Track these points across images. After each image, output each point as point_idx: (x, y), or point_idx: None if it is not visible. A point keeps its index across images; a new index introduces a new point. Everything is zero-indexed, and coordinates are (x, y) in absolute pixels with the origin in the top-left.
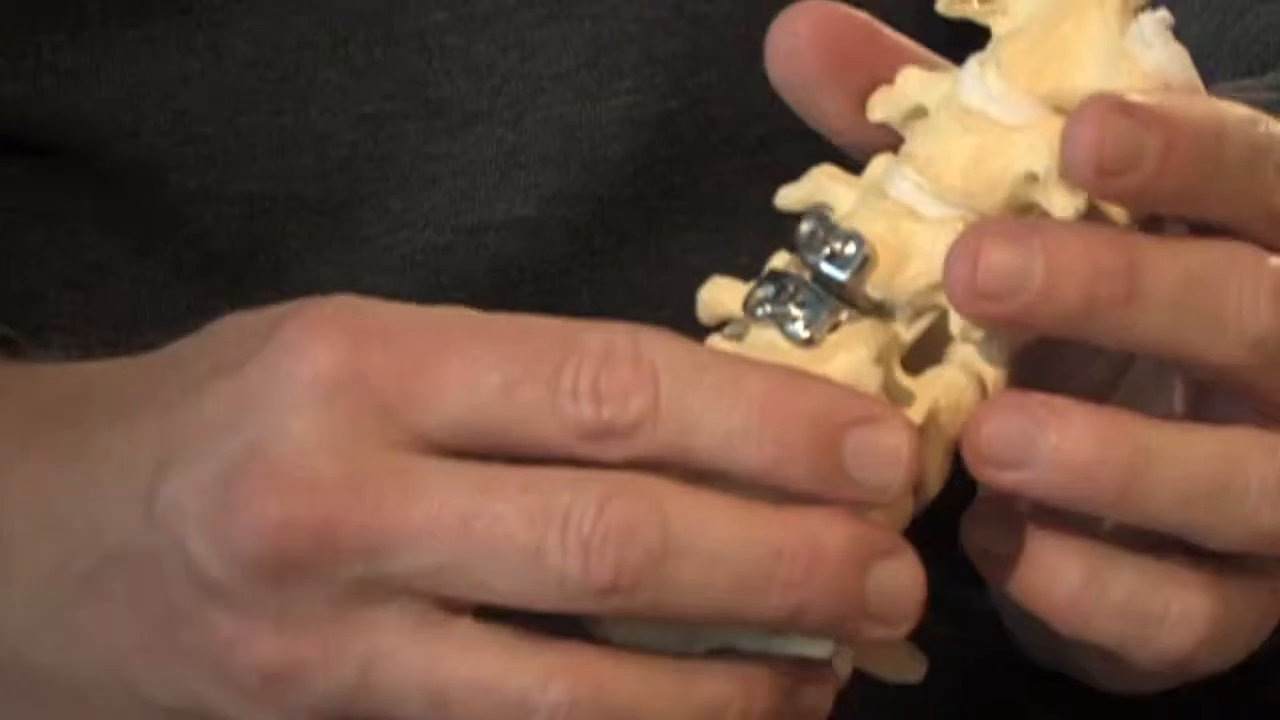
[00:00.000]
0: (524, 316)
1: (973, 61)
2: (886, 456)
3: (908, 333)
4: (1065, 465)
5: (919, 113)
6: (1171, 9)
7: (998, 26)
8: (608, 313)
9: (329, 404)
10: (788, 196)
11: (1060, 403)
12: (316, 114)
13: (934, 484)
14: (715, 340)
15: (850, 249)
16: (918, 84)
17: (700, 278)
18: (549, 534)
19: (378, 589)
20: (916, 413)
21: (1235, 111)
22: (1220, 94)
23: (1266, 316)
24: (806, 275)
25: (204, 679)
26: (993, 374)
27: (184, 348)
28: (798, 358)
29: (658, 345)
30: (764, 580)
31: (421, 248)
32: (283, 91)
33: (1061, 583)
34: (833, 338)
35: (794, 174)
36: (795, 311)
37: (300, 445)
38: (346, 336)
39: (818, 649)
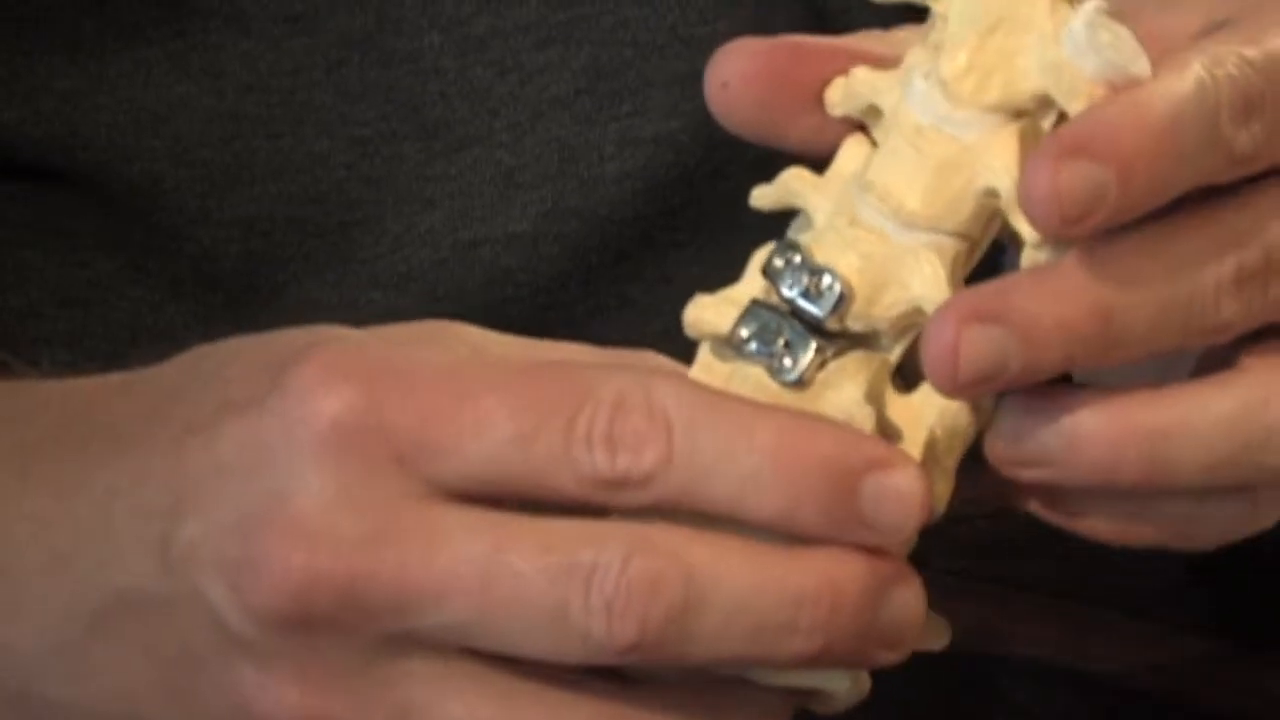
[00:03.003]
0: (538, 362)
1: (917, 77)
2: (901, 501)
3: (893, 354)
4: (1085, 465)
5: (875, 111)
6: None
7: (937, 4)
8: (604, 328)
9: (346, 455)
10: (761, 197)
11: (1069, 402)
12: (313, 136)
13: (938, 507)
14: (704, 356)
15: (825, 283)
16: (868, 86)
17: (695, 293)
18: (572, 593)
19: (404, 642)
20: (914, 443)
21: (1183, 89)
22: None
23: (1228, 312)
24: (785, 307)
25: None
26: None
27: (184, 375)
28: (789, 398)
29: (670, 392)
30: (786, 627)
31: (418, 264)
32: (279, 114)
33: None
34: (821, 376)
35: None
36: (782, 352)
37: (320, 498)
38: (360, 384)
39: (837, 683)
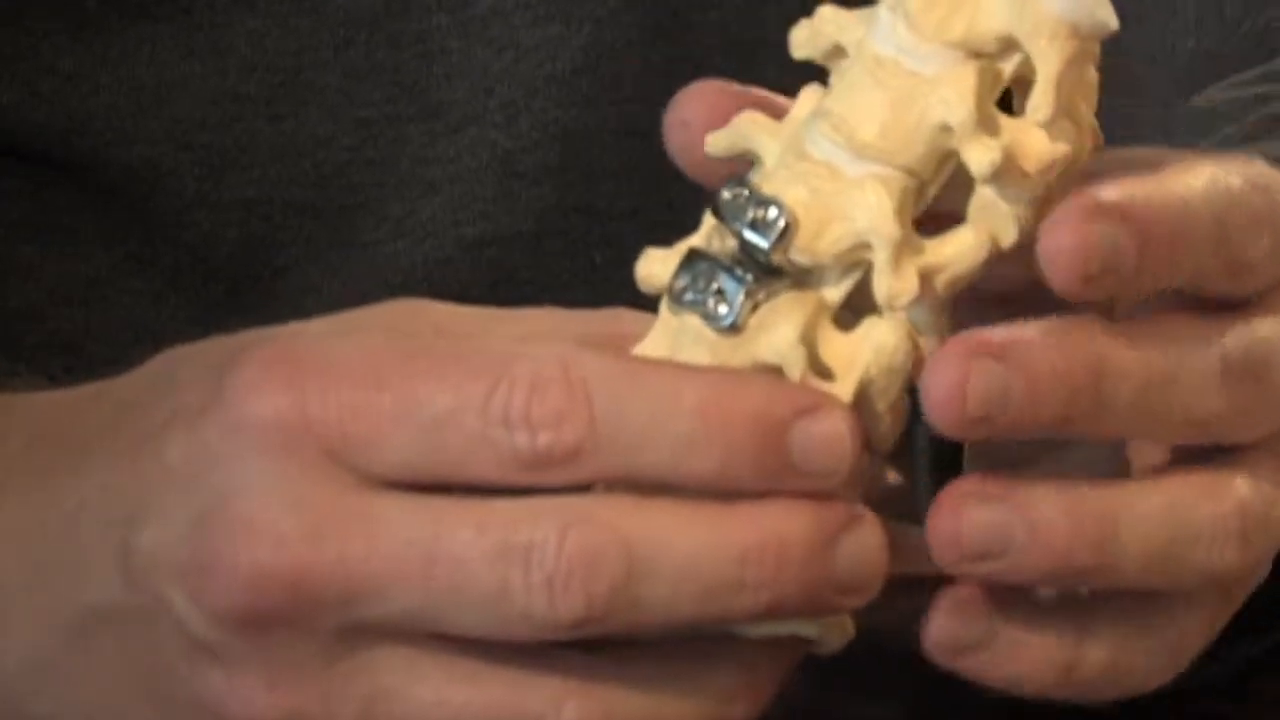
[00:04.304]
0: (458, 345)
1: (883, 9)
2: (829, 443)
3: (836, 292)
4: (1042, 549)
5: (839, 52)
6: (1164, 24)
7: None
8: None
9: (281, 454)
10: (714, 143)
11: (1029, 488)
12: (315, 118)
13: (884, 441)
14: (663, 311)
15: (771, 215)
16: (833, 23)
17: None
18: (512, 573)
19: (363, 632)
20: (847, 384)
21: (1197, 183)
22: (1215, 91)
23: (1213, 404)
24: (731, 242)
25: None
26: (925, 338)
27: (144, 383)
28: (724, 345)
29: (589, 365)
30: (735, 585)
31: (422, 261)
32: (282, 95)
33: (1044, 661)
34: (755, 319)
35: None
36: (714, 299)
37: (260, 497)
38: (289, 383)
39: (819, 629)
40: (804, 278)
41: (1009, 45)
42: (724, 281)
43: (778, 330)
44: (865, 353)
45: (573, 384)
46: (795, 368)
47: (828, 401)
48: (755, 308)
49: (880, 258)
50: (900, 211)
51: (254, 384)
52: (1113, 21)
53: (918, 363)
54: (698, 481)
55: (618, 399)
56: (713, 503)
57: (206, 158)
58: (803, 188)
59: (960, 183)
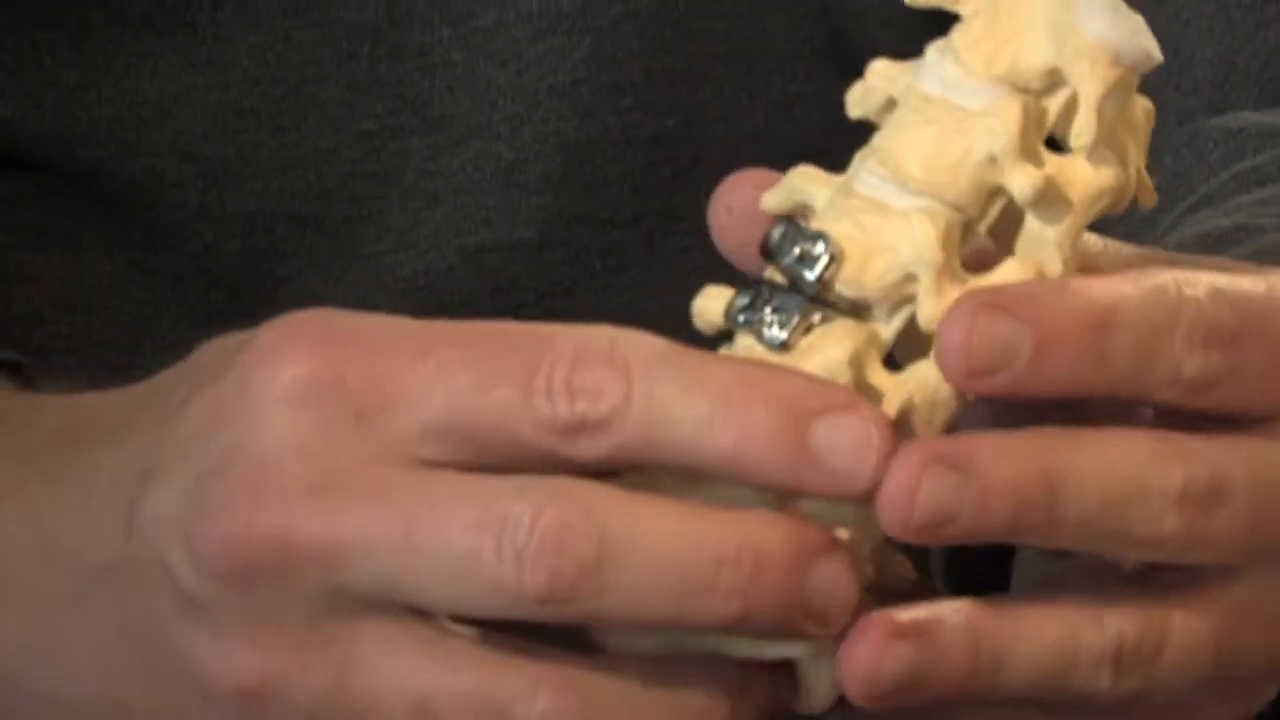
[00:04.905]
0: (501, 323)
1: (931, 50)
2: (857, 443)
3: (887, 329)
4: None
5: (891, 106)
6: (1180, 34)
7: (966, 11)
8: None
9: (304, 409)
10: (770, 199)
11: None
12: (318, 131)
13: None
14: (720, 352)
15: (817, 249)
16: (884, 76)
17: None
18: (485, 543)
19: (350, 599)
20: (889, 409)
21: (1136, 290)
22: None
23: (1168, 525)
24: (782, 280)
25: (187, 696)
26: None
27: (169, 372)
28: (775, 362)
29: (631, 342)
30: (706, 586)
31: (424, 270)
32: (285, 108)
33: None
34: (806, 341)
35: None
36: (769, 317)
37: (273, 451)
38: (322, 343)
39: (803, 651)
40: (856, 313)
41: (1054, 81)
42: (780, 302)
43: (828, 351)
44: (910, 382)
45: (615, 358)
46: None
47: (865, 404)
48: (808, 330)
49: (923, 282)
50: (945, 243)
51: (283, 340)
52: (1156, 52)
53: (962, 402)
54: (716, 461)
55: (653, 373)
56: (698, 505)
57: (210, 169)
58: (849, 222)
59: (1010, 227)
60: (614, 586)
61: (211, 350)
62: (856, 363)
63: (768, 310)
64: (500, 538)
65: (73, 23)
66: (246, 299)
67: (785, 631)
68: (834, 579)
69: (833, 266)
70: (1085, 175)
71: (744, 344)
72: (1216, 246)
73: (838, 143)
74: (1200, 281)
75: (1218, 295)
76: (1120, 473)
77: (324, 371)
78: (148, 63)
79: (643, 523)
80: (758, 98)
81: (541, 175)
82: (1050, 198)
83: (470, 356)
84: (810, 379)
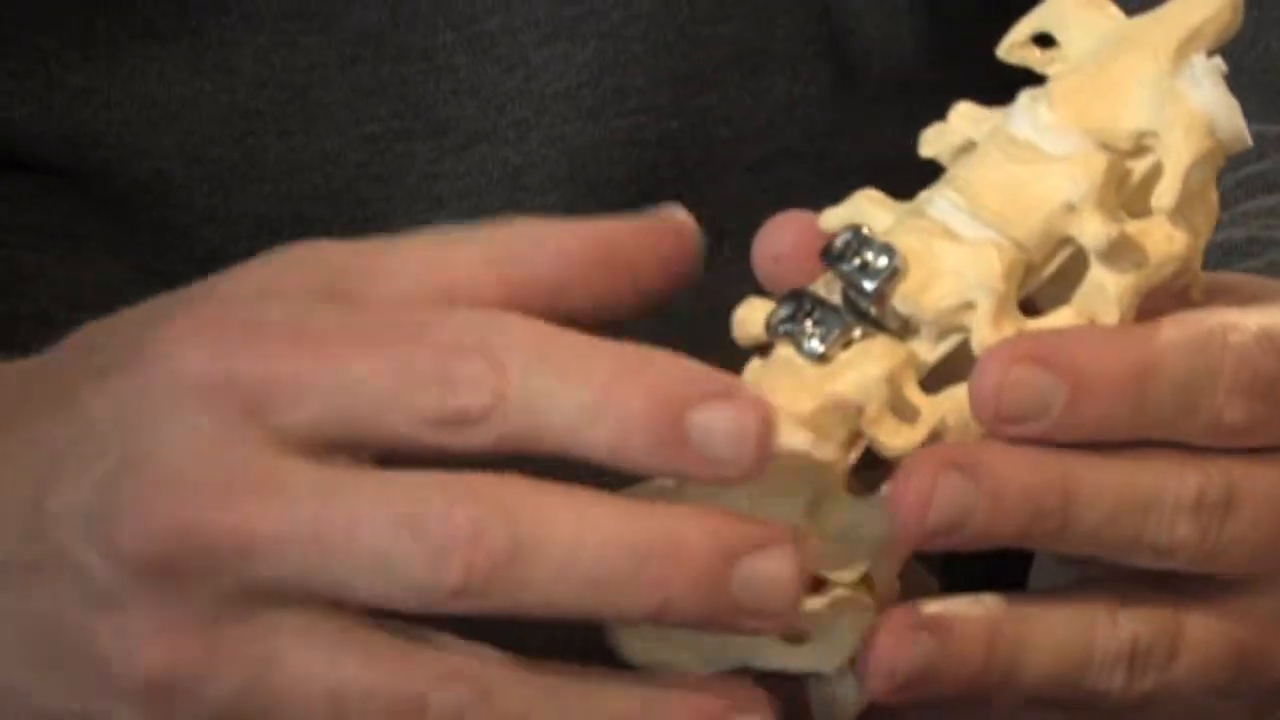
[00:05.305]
0: (386, 313)
1: (1025, 95)
2: (733, 431)
3: (931, 353)
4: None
5: (968, 148)
6: None
7: (1053, 72)
8: (614, 332)
9: (202, 408)
10: (830, 217)
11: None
12: (324, 134)
13: None
14: (754, 364)
15: (881, 261)
16: (969, 119)
17: (706, 298)
18: (399, 539)
19: (265, 594)
20: (920, 429)
21: (1180, 338)
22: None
23: (1181, 532)
24: (838, 286)
25: (92, 690)
26: None
27: (57, 353)
28: (811, 374)
29: (506, 329)
30: (623, 579)
31: None
32: (291, 112)
33: None
34: (844, 355)
35: (796, 194)
36: (810, 328)
37: (177, 451)
38: (215, 339)
39: (830, 665)
40: (900, 333)
41: (1141, 146)
42: (822, 315)
43: (864, 368)
44: (945, 404)
45: (489, 348)
46: (874, 403)
47: (744, 392)
48: (848, 345)
49: (982, 308)
50: (1008, 277)
51: (178, 341)
52: (1248, 137)
53: None
54: (596, 453)
55: (531, 363)
56: (615, 497)
57: (216, 172)
58: (916, 241)
59: (1063, 285)
60: (529, 580)
61: (104, 331)
62: (893, 380)
63: (809, 322)
64: (415, 534)
65: (79, 28)
66: None
67: (716, 627)
68: (767, 574)
69: (893, 280)
70: (1160, 237)
71: (782, 354)
72: (1228, 259)
73: (839, 145)
74: (1248, 327)
75: (1265, 342)
76: (1135, 479)
77: (216, 368)
78: (154, 67)
79: (556, 514)
80: (761, 100)
81: (546, 178)
82: (1120, 253)
83: (348, 349)
84: (691, 366)
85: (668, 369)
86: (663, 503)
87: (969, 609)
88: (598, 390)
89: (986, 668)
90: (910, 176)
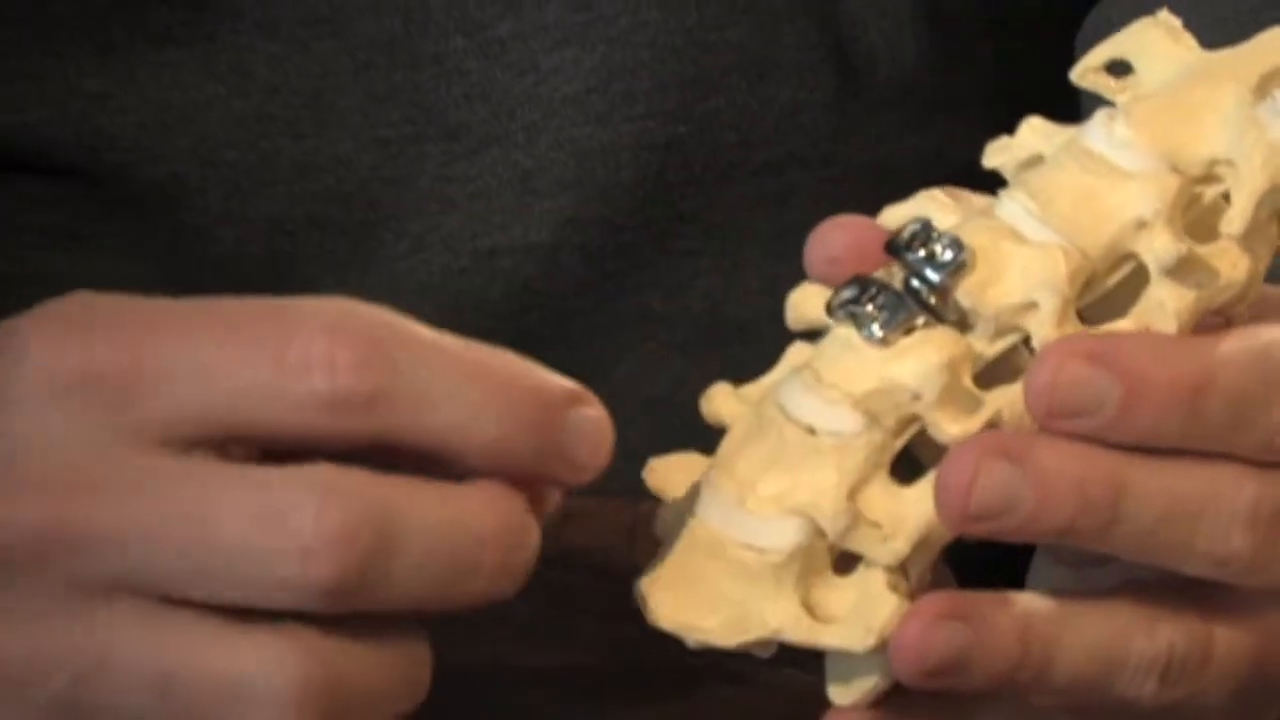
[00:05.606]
0: (253, 301)
1: (1101, 113)
2: (596, 434)
3: (988, 349)
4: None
5: (1035, 161)
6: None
7: (1121, 100)
8: (621, 335)
9: (58, 403)
10: (892, 214)
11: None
12: (337, 137)
13: None
14: (798, 345)
15: (949, 254)
16: (1040, 133)
17: (710, 301)
18: (269, 539)
19: (104, 585)
20: (975, 422)
21: (1238, 353)
22: None
23: (1236, 543)
24: (900, 275)
25: None
26: None
27: None
28: (871, 356)
29: (387, 321)
30: (471, 569)
31: (438, 271)
32: (304, 116)
33: None
34: (906, 341)
35: (801, 199)
36: (873, 311)
37: (34, 443)
38: (74, 334)
39: (860, 644)
40: (959, 328)
41: (1211, 175)
42: (887, 300)
43: (926, 355)
44: (1001, 399)
45: (373, 336)
46: (932, 392)
47: (591, 397)
48: (909, 331)
49: (1046, 308)
50: (1072, 281)
51: (36, 332)
52: None
53: None
54: (481, 447)
55: (415, 355)
56: (463, 486)
57: (231, 175)
58: (984, 238)
59: (1115, 303)
60: (396, 574)
61: None
62: (952, 369)
63: (871, 305)
64: (284, 533)
65: (95, 34)
66: None
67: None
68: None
69: (959, 273)
70: (1225, 262)
71: (841, 334)
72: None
73: (844, 150)
74: None
75: None
76: (1189, 485)
77: (75, 363)
78: (169, 72)
79: (418, 508)
80: (766, 105)
81: (555, 181)
82: (1183, 273)
83: (219, 336)
84: (550, 372)
85: (539, 371)
86: None
87: (1005, 603)
88: (489, 386)
89: (1019, 664)
90: (914, 181)
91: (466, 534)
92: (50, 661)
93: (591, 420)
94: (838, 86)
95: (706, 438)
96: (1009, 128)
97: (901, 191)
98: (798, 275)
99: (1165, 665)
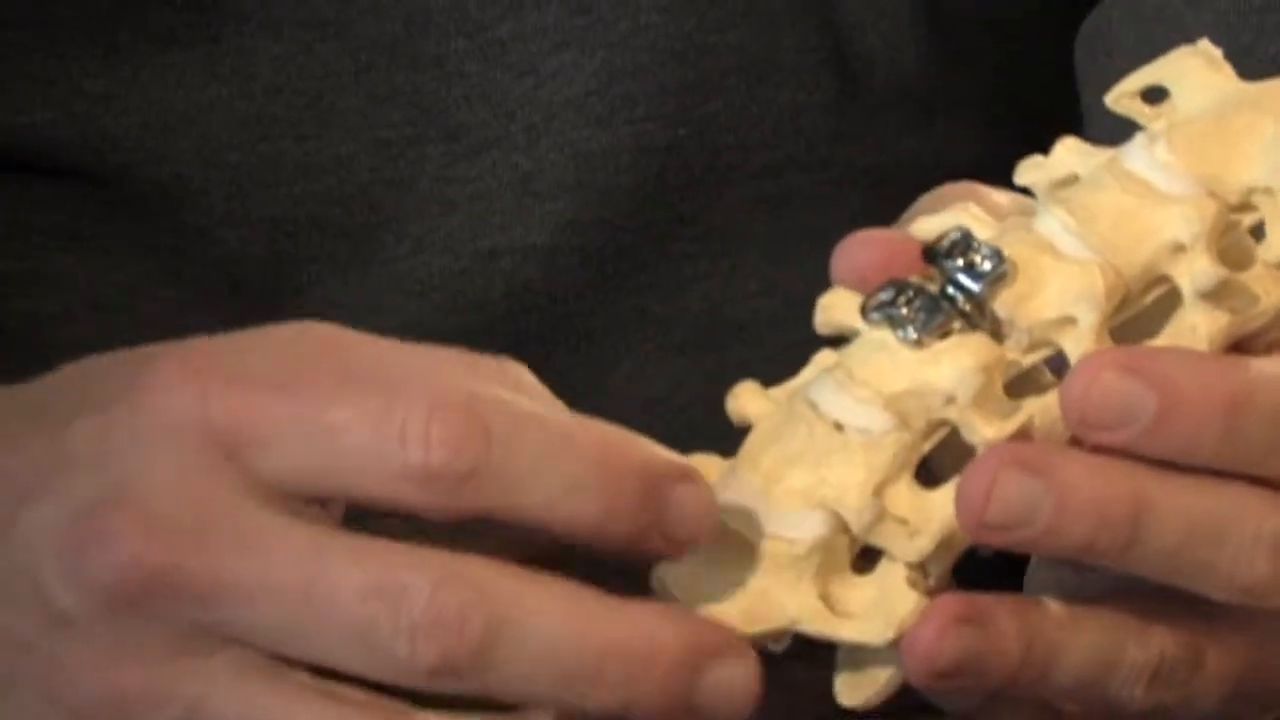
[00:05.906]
0: (369, 362)
1: (1141, 135)
2: (698, 510)
3: (1020, 361)
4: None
5: (1069, 181)
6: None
7: (1155, 127)
8: (620, 336)
9: (181, 447)
10: (927, 224)
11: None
12: (339, 139)
13: None
14: (825, 353)
15: (988, 264)
16: (1077, 153)
17: (709, 303)
18: (381, 613)
19: (213, 636)
20: (1010, 425)
21: (1275, 375)
22: None
23: (1261, 569)
24: (937, 282)
25: (42, 707)
26: None
27: (54, 379)
28: (905, 357)
29: (489, 398)
30: (591, 677)
31: (439, 272)
32: (306, 117)
33: None
34: (941, 344)
35: (800, 201)
36: (909, 313)
37: (154, 487)
38: (199, 380)
39: (876, 639)
40: (994, 338)
41: (1247, 203)
42: (924, 302)
43: (961, 359)
44: (1034, 406)
45: (473, 411)
46: (967, 394)
47: (697, 473)
48: (944, 335)
49: (1085, 322)
50: (1110, 298)
51: (163, 382)
52: None
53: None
54: (580, 526)
55: (514, 431)
56: (593, 592)
57: (234, 176)
58: (1024, 246)
59: (1141, 327)
60: (501, 667)
61: (100, 367)
62: (988, 374)
63: (907, 308)
64: (396, 610)
65: (99, 35)
66: (270, 303)
67: None
68: (729, 683)
69: (999, 283)
70: (1260, 289)
71: (875, 336)
72: None
73: (843, 153)
74: None
75: None
76: (1214, 508)
77: (193, 413)
78: (173, 73)
79: (535, 605)
80: (766, 108)
81: (555, 183)
82: (1218, 297)
83: (323, 399)
84: (658, 448)
85: (646, 446)
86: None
87: (1012, 607)
88: (588, 464)
89: (1023, 666)
90: (912, 185)
91: (585, 641)
92: (141, 703)
93: (695, 498)
94: (837, 89)
95: (706, 438)
96: (1009, 129)
97: (901, 193)
98: (797, 277)
99: (1155, 670)
